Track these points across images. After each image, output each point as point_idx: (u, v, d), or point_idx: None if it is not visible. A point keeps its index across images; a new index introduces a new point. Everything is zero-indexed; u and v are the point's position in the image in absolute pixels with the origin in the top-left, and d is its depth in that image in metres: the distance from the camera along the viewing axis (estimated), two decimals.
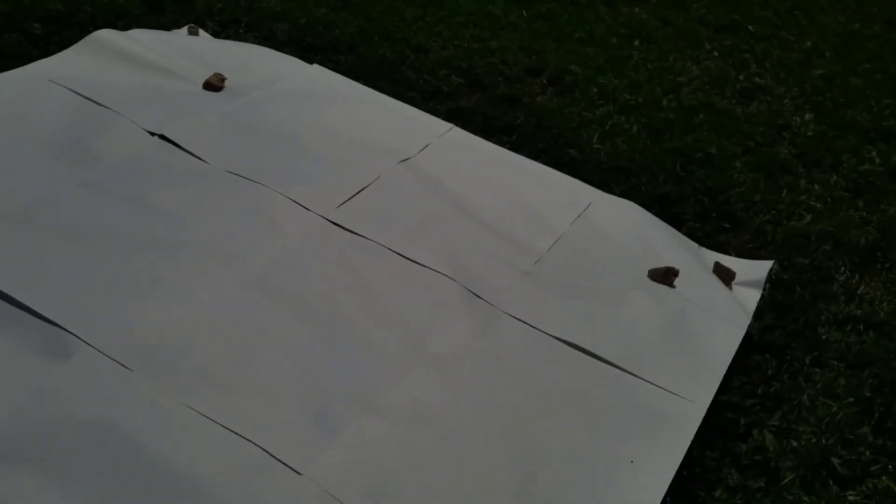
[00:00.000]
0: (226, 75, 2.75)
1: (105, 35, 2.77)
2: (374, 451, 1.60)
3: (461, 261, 2.17)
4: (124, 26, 2.91)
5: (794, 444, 1.83)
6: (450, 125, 2.79)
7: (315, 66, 2.98)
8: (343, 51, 3.24)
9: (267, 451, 1.55)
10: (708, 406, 1.86)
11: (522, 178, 2.61)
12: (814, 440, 1.85)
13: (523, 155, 2.76)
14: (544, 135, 2.98)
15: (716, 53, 3.90)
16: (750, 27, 4.22)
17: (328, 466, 1.55)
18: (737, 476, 1.75)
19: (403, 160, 2.52)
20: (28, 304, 1.70)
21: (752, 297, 2.29)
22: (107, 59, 2.68)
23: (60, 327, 1.68)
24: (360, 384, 1.74)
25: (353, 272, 2.04)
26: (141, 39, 2.84)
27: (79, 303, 1.75)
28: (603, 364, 1.95)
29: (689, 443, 1.76)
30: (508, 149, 2.77)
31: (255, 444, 1.55)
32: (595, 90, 3.37)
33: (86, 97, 2.45)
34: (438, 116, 2.83)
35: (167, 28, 3.08)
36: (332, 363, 1.77)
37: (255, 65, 2.89)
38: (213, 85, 2.71)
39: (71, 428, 1.52)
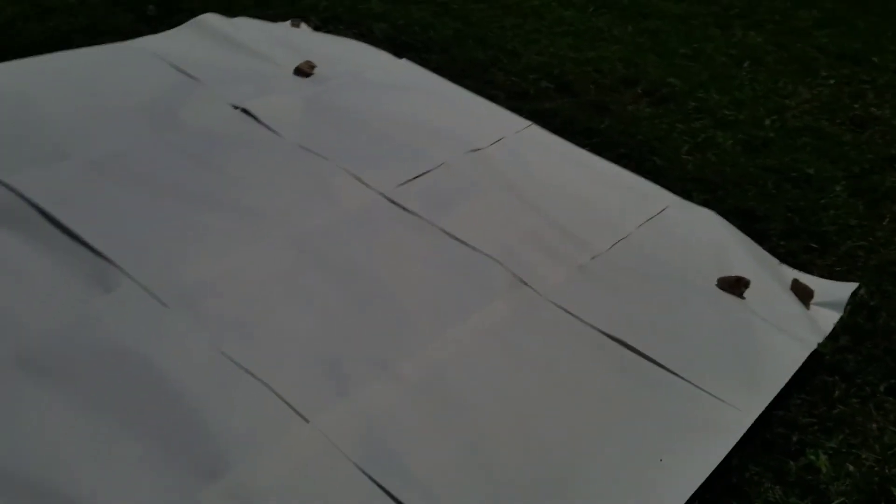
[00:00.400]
0: (316, 63, 2.84)
1: (210, 19, 2.94)
2: (383, 414, 1.57)
3: (513, 248, 2.12)
4: (232, 15, 3.07)
5: (851, 468, 1.65)
6: (528, 122, 2.77)
7: (404, 60, 3.04)
8: (435, 50, 3.28)
9: (280, 396, 1.55)
10: (756, 417, 1.71)
11: (595, 178, 2.54)
12: (875, 468, 1.66)
13: (603, 159, 2.69)
14: (629, 141, 2.89)
15: (831, 81, 3.68)
16: (874, 58, 3.96)
17: (336, 420, 1.53)
18: (779, 492, 1.59)
19: (473, 150, 2.51)
20: (84, 237, 1.81)
21: (829, 318, 2.11)
22: (208, 40, 2.85)
23: (110, 261, 1.76)
24: (381, 349, 1.72)
25: (398, 246, 2.04)
26: (242, 26, 3.00)
27: (131, 242, 1.84)
28: (647, 362, 1.84)
29: (727, 450, 1.62)
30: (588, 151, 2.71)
31: (269, 388, 1.57)
32: (693, 104, 3.25)
33: (182, 71, 2.60)
34: (520, 115, 2.81)
35: (272, 21, 3.23)
36: (357, 325, 1.77)
37: (346, 56, 2.98)
38: (303, 71, 2.81)
39: (103, 353, 1.58)
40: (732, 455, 1.63)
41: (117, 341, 1.61)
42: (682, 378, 1.80)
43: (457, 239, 2.10)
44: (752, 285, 2.14)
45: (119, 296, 1.70)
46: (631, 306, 2.01)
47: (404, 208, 2.17)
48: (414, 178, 2.31)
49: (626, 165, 2.70)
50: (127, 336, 1.62)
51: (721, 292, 2.13)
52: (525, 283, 2.01)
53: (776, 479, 1.63)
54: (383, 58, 3.03)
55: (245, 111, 2.47)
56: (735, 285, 2.14)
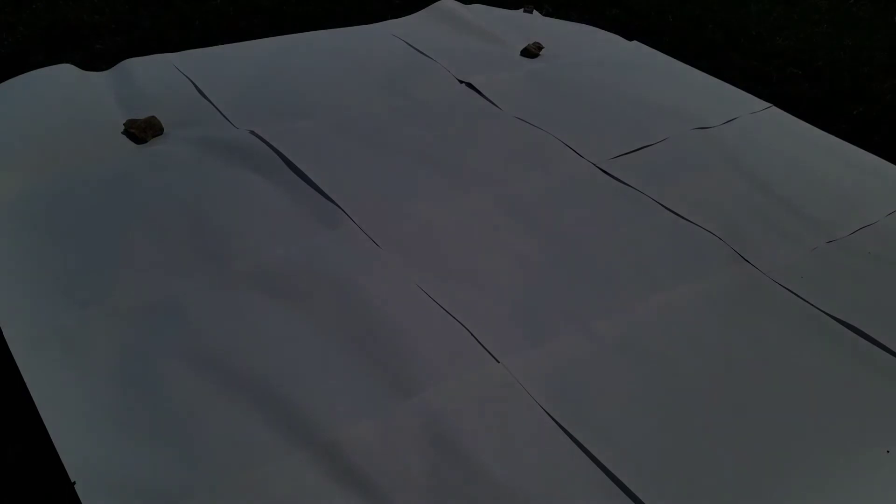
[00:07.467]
0: (544, 45, 2.87)
1: (448, 4, 3.08)
2: (574, 364, 1.54)
3: (736, 225, 1.98)
4: (468, 2, 3.20)
5: None
6: (767, 104, 2.58)
7: (634, 42, 2.97)
8: (668, 33, 3.17)
9: (473, 336, 1.58)
10: None
11: (839, 163, 2.30)
12: None
13: (851, 145, 2.42)
14: (885, 130, 2.58)
15: None
16: None
17: (525, 363, 1.52)
18: None
19: (700, 128, 2.39)
20: (316, 181, 1.97)
21: None
22: (444, 22, 2.99)
23: (336, 204, 1.91)
24: (579, 305, 1.68)
25: (607, 213, 1.99)
26: (477, 11, 3.11)
27: (355, 189, 1.97)
28: (883, 352, 1.63)
29: None
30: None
31: (465, 327, 1.60)
32: None
33: (416, 49, 2.75)
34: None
35: (505, 7, 3.31)
36: (556, 281, 1.75)
37: (575, 38, 2.97)
38: (531, 52, 2.85)
39: (323, 278, 1.71)
40: None
41: (335, 270, 1.73)
42: None
43: (672, 211, 2.01)
44: None
45: (340, 233, 1.83)
46: (872, 294, 1.80)
47: (618, 179, 2.12)
48: (632, 152, 2.24)
49: (880, 155, 2.41)
50: (344, 267, 1.74)
51: None
52: (746, 260, 1.87)
53: None
54: (612, 39, 2.99)
55: (470, 85, 2.55)
56: None
